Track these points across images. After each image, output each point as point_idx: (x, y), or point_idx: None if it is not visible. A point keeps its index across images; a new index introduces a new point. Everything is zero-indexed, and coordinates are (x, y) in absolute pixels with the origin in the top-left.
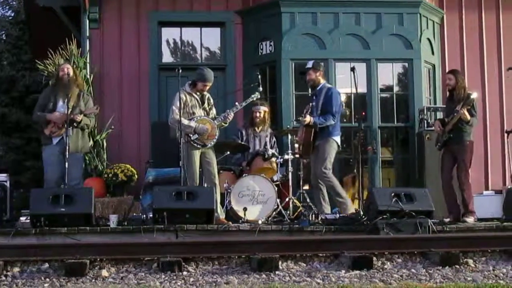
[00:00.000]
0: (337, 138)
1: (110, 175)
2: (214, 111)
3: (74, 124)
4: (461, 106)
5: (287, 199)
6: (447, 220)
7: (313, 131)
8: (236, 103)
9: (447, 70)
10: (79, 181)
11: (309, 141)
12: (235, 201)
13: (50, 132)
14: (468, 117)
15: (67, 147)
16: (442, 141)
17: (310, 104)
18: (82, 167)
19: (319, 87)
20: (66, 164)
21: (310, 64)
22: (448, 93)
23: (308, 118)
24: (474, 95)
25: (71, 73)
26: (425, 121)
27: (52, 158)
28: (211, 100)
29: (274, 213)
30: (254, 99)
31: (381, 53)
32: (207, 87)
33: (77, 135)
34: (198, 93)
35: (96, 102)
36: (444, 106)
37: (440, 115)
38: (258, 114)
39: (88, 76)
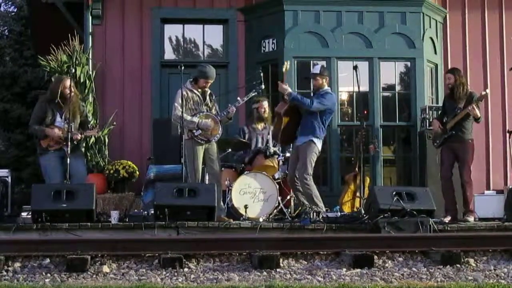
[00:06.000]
0: (318, 142)
1: (112, 171)
2: (216, 107)
3: (74, 142)
4: (475, 103)
5: (288, 197)
6: (446, 220)
7: (282, 122)
8: (238, 98)
9: None
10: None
11: (278, 131)
12: (236, 198)
13: (48, 146)
14: (478, 113)
15: (67, 157)
16: (443, 138)
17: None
18: (85, 161)
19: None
20: (69, 164)
21: (317, 69)
22: (448, 91)
23: (287, 87)
24: (487, 91)
25: (73, 90)
26: (427, 120)
27: (51, 163)
28: (213, 96)
29: (275, 211)
30: (259, 91)
31: (384, 52)
32: (209, 84)
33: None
34: (199, 90)
35: (98, 98)
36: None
37: None
38: (263, 109)
39: (91, 73)
